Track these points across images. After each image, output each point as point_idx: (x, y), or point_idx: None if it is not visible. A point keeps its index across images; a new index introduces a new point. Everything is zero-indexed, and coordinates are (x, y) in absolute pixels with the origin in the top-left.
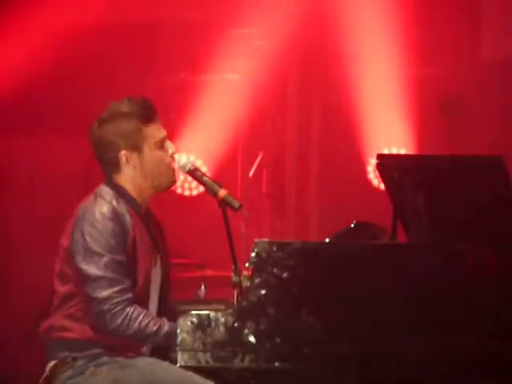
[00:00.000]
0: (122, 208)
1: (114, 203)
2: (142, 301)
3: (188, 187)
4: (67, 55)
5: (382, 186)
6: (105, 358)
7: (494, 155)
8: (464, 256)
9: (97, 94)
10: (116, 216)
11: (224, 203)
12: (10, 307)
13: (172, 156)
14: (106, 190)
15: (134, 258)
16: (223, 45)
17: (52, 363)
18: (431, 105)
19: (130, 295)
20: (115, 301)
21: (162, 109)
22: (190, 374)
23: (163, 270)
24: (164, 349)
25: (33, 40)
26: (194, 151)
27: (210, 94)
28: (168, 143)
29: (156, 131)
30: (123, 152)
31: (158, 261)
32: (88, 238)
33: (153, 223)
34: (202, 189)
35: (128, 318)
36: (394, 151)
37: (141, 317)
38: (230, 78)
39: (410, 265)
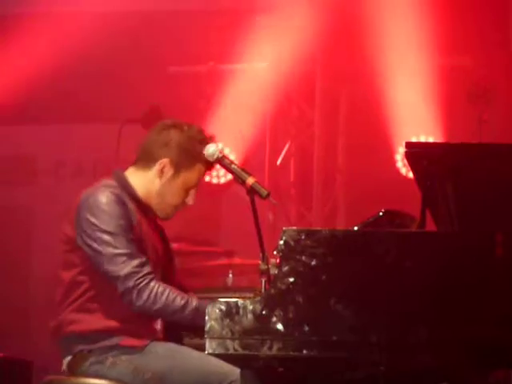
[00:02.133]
0: (125, 197)
1: (117, 191)
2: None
3: (216, 175)
4: (92, 42)
5: (411, 175)
6: (121, 347)
7: None
8: (493, 245)
9: (124, 83)
10: (120, 200)
11: (252, 191)
12: (32, 299)
13: (183, 204)
14: (110, 182)
15: (140, 241)
16: (251, 33)
17: (68, 358)
18: (460, 93)
19: (149, 269)
20: (138, 276)
21: (191, 97)
22: (210, 358)
23: (168, 260)
24: (178, 333)
25: (57, 29)
26: (222, 139)
27: (238, 83)
28: (192, 193)
29: (199, 177)
30: (165, 160)
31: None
32: (97, 221)
33: (158, 233)
34: (230, 177)
35: (154, 292)
36: (423, 139)
37: (167, 291)
38: (258, 66)
39: (438, 253)
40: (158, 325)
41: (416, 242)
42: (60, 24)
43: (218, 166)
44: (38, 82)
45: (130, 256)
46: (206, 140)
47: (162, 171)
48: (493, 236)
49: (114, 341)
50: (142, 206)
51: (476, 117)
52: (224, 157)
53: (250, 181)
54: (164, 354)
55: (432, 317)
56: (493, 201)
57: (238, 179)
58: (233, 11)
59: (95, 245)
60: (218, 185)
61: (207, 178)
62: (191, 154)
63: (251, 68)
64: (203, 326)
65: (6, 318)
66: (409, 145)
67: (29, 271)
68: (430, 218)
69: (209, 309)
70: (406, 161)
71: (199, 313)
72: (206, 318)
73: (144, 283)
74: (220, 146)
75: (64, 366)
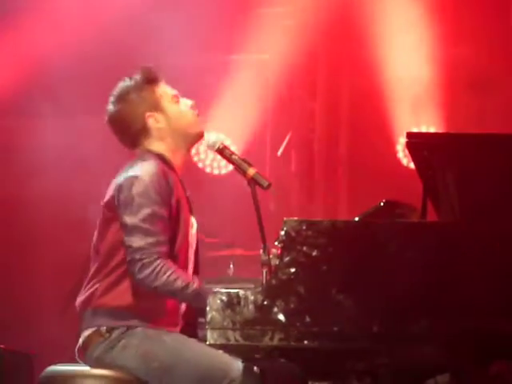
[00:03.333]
0: (165, 168)
1: (161, 164)
2: (181, 263)
3: (217, 166)
4: (89, 35)
5: (412, 166)
6: (139, 329)
7: None
8: (495, 235)
9: (124, 74)
10: (163, 173)
11: (253, 182)
12: (39, 288)
13: (192, 107)
14: (147, 155)
15: (177, 218)
16: (252, 24)
17: (86, 332)
18: (461, 83)
19: (163, 249)
20: (147, 251)
21: (192, 88)
22: (217, 353)
23: (197, 237)
24: (193, 326)
25: (58, 22)
26: (223, 130)
27: (239, 74)
28: (182, 99)
29: (168, 89)
30: (148, 114)
31: (195, 224)
32: (134, 189)
33: (186, 191)
34: (230, 168)
35: (157, 270)
36: (424, 130)
37: (170, 271)
38: (259, 57)
39: (440, 244)
40: (180, 315)
41: (417, 232)
42: (61, 23)
43: (218, 157)
44: (35, 78)
45: (148, 232)
46: (133, 77)
47: (156, 121)
48: (494, 226)
49: (135, 322)
50: (175, 171)
51: (477, 107)
52: (225, 147)
53: (251, 172)
54: (173, 345)
55: (433, 307)
56: (494, 190)
57: (239, 170)
58: (235, 3)
59: (124, 214)
60: (218, 176)
61: (208, 169)
62: (147, 93)
63: (252, 59)
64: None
65: (8, 311)
66: (410, 135)
67: (32, 264)
68: (432, 208)
69: (210, 299)
70: (407, 151)
71: (199, 297)
72: (208, 308)
73: (150, 259)
74: (221, 136)
75: (80, 340)
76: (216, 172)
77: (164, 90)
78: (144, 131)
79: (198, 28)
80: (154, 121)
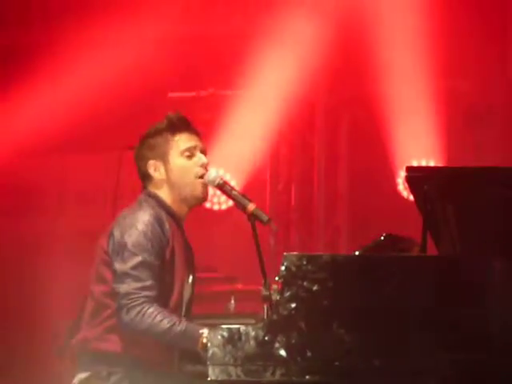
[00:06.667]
0: (163, 216)
1: (157, 209)
2: (178, 309)
3: (217, 201)
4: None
5: (412, 198)
6: (137, 374)
7: None
8: (495, 269)
9: (124, 111)
10: (158, 221)
11: (253, 217)
12: (36, 326)
13: (203, 167)
14: (147, 198)
15: (171, 266)
16: (252, 59)
17: (83, 375)
18: (459, 117)
19: (150, 293)
20: (133, 296)
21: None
22: None
23: (192, 289)
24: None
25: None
26: (222, 165)
27: (239, 109)
28: (199, 154)
29: (184, 141)
30: (151, 162)
31: (190, 278)
32: (126, 237)
33: (186, 243)
34: (230, 203)
35: (142, 313)
36: (424, 163)
37: (155, 313)
38: (259, 92)
39: (440, 278)
40: (176, 355)
41: (417, 266)
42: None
43: (218, 193)
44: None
45: (136, 278)
46: (160, 121)
47: (156, 171)
48: (494, 260)
49: (132, 368)
50: (177, 219)
51: (474, 140)
52: (225, 183)
53: (251, 207)
54: None
55: (434, 342)
56: (493, 224)
57: (239, 205)
58: (234, 37)
59: (116, 261)
60: (219, 211)
61: (208, 205)
62: (159, 141)
63: (251, 94)
64: (193, 350)
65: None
66: (409, 169)
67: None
68: (432, 241)
69: (211, 335)
70: (406, 185)
71: (186, 336)
72: (208, 344)
73: (136, 303)
74: (221, 172)
75: (75, 381)
76: (216, 207)
77: (178, 143)
78: (147, 176)
79: (197, 63)
80: (153, 170)
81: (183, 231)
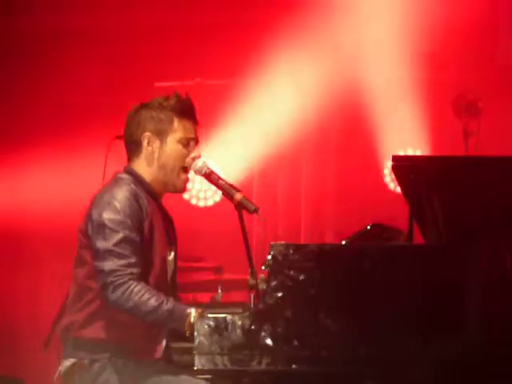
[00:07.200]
0: (140, 192)
1: (133, 186)
2: (161, 286)
3: (203, 197)
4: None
5: (399, 190)
6: (120, 362)
7: (509, 156)
8: (481, 257)
9: (108, 96)
10: (134, 197)
11: (240, 206)
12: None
13: (193, 159)
14: (124, 176)
15: (150, 241)
16: (239, 48)
17: (67, 363)
18: (446, 106)
19: (135, 270)
20: (119, 273)
21: None
22: None
23: (175, 264)
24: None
25: None
26: (209, 157)
27: (226, 98)
28: (192, 145)
29: (186, 129)
30: (147, 133)
31: (172, 254)
32: (105, 215)
33: (167, 218)
34: (217, 199)
35: (129, 290)
36: (410, 153)
37: (143, 291)
38: (247, 82)
39: (426, 266)
40: (163, 344)
41: (403, 255)
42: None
43: (204, 188)
44: None
45: (120, 255)
46: (169, 97)
47: (149, 145)
48: (480, 248)
49: (115, 355)
50: (155, 196)
51: (462, 129)
52: (212, 172)
53: (238, 196)
54: (156, 380)
55: (421, 330)
56: (479, 213)
57: (226, 195)
58: (221, 26)
59: (96, 240)
60: (205, 207)
61: (194, 201)
62: (164, 118)
63: (239, 84)
64: (180, 330)
65: None
66: (395, 158)
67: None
68: (418, 230)
69: (197, 324)
70: (393, 175)
71: (173, 315)
72: (195, 333)
73: (122, 280)
74: (208, 162)
75: (60, 368)
76: (202, 204)
77: (181, 128)
78: (137, 147)
79: (184, 53)
80: (147, 142)
81: (162, 207)
